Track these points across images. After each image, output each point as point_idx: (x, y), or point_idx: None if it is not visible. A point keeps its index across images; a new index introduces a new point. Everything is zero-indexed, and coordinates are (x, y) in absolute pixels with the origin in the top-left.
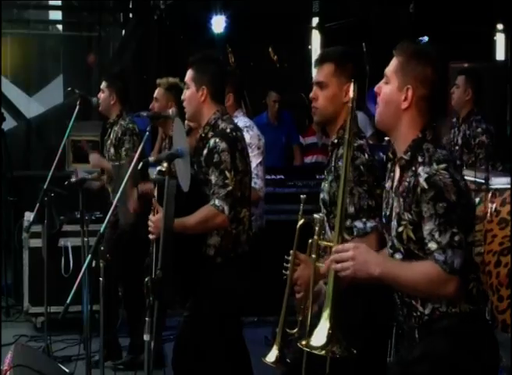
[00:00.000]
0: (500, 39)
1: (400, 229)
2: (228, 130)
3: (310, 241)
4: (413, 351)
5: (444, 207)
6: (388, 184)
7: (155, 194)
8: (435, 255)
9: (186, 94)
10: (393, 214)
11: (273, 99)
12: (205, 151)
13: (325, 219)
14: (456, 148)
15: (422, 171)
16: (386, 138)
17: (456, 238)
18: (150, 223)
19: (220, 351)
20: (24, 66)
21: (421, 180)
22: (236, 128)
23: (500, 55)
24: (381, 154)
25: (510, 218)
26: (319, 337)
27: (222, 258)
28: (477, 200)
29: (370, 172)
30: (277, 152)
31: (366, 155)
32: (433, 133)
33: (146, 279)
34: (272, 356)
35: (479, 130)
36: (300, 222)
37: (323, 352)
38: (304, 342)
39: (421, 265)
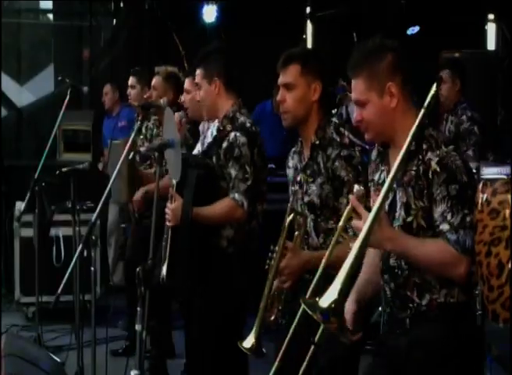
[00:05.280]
0: (491, 29)
1: (410, 218)
2: (248, 125)
3: (296, 233)
4: (402, 337)
5: (456, 189)
6: (377, 177)
7: (174, 182)
8: (447, 234)
9: (200, 94)
10: (398, 205)
11: None
12: (225, 144)
13: (311, 224)
14: None
15: (432, 155)
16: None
17: (468, 219)
18: (167, 210)
19: (224, 343)
20: (15, 55)
21: (433, 163)
22: (254, 122)
23: (491, 44)
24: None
25: (501, 208)
26: (324, 301)
27: (235, 249)
28: None
29: (364, 171)
30: (277, 143)
31: (357, 152)
32: (428, 117)
33: (137, 269)
34: (248, 343)
35: (463, 117)
36: (290, 217)
37: (317, 316)
38: (304, 300)
39: (434, 243)
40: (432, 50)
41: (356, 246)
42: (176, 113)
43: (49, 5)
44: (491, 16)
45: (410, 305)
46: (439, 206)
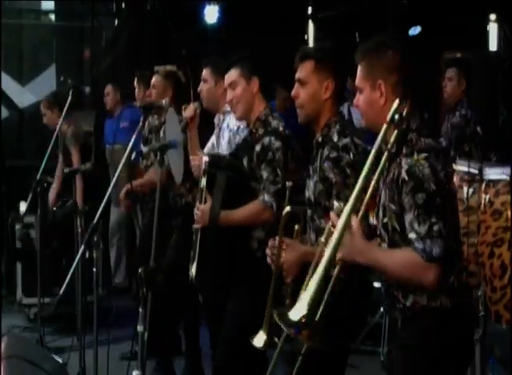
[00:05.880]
0: (493, 29)
1: (385, 220)
2: (281, 129)
3: (296, 227)
4: (394, 339)
5: (423, 198)
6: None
7: (204, 183)
8: (414, 243)
9: (237, 92)
10: (380, 204)
11: (283, 97)
12: (258, 148)
13: (309, 219)
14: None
15: (404, 162)
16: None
17: (435, 228)
18: (197, 211)
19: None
20: (16, 55)
21: (403, 171)
22: (286, 126)
23: (493, 45)
24: None
25: (504, 209)
26: (294, 314)
27: (264, 252)
28: (471, 191)
29: (355, 172)
30: None
31: (351, 155)
32: (418, 122)
33: (140, 269)
34: (259, 341)
35: (457, 113)
36: (286, 209)
37: (290, 330)
38: (278, 312)
39: (402, 253)
40: (434, 50)
41: (325, 258)
42: (191, 104)
43: (51, 5)
44: (493, 17)
45: (398, 305)
46: (408, 215)
